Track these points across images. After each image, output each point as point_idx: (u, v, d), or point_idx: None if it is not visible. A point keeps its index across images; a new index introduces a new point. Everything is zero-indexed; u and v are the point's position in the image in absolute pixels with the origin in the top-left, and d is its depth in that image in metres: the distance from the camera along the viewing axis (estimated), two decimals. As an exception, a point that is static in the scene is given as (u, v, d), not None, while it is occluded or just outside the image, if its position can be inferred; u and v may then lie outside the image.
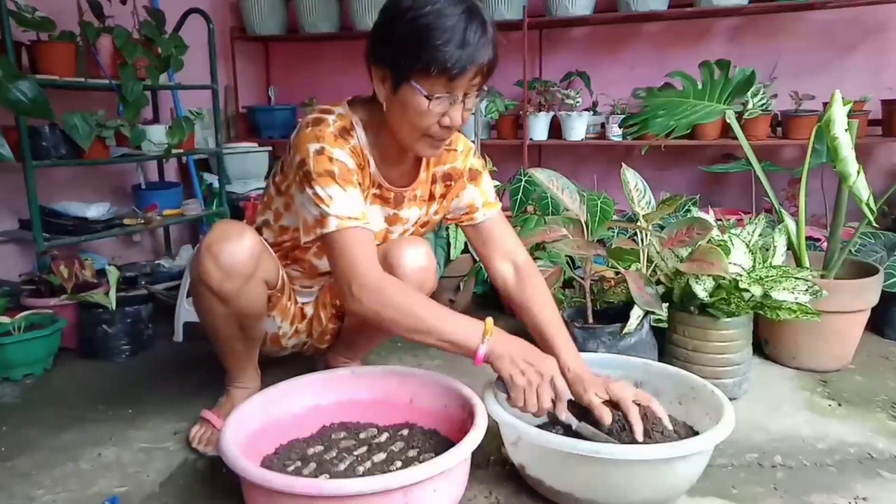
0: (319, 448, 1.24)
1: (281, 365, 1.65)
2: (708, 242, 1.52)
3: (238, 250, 1.28)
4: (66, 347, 1.92)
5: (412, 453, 1.22)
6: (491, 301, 2.30)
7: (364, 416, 1.35)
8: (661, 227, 1.66)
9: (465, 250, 2.22)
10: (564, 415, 1.15)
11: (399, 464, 1.17)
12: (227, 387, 1.49)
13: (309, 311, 1.55)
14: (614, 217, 2.01)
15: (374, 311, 1.15)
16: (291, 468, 1.16)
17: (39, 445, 1.42)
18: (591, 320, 1.68)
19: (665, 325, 1.66)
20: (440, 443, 1.25)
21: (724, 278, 1.47)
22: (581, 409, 1.21)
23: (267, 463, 1.19)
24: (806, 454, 1.35)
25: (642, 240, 1.60)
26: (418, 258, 1.39)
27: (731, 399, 1.52)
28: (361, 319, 1.21)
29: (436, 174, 1.42)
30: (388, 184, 1.34)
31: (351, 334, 1.57)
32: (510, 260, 1.41)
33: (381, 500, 0.97)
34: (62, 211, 2.34)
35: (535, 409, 1.12)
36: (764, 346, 1.80)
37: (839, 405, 1.56)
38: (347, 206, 1.18)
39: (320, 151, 1.19)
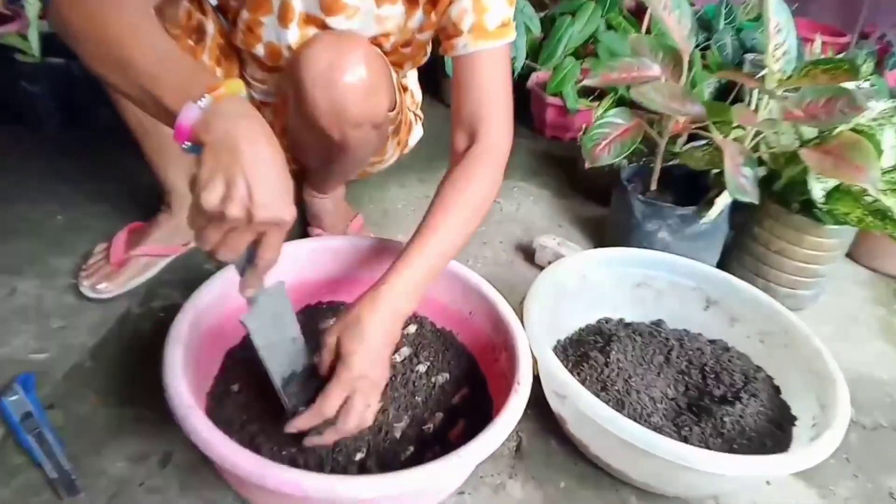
0: (301, 344, 0.95)
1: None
2: (851, 129, 1.11)
3: None
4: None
5: (421, 369, 0.94)
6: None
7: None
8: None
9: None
10: (250, 291, 0.71)
11: (404, 392, 0.89)
12: (160, 206, 1.15)
13: (267, 115, 1.16)
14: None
15: (58, 16, 0.68)
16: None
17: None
18: (653, 187, 1.32)
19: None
20: (456, 357, 0.97)
21: (864, 191, 1.10)
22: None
23: (230, 361, 0.91)
24: (884, 410, 1.12)
25: (759, 103, 1.17)
26: (333, 60, 0.88)
27: (796, 309, 1.27)
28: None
29: None
30: None
31: (299, 149, 1.16)
32: (469, 127, 0.91)
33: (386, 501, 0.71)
34: None
35: (208, 246, 0.63)
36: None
37: (919, 334, 1.32)
38: None
39: None
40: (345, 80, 0.90)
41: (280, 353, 0.78)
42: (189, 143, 0.62)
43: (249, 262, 0.67)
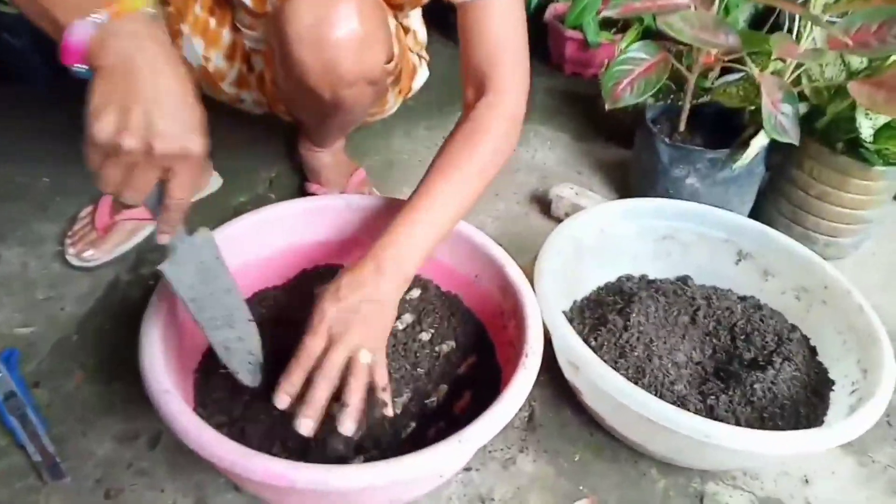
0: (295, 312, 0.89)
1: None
2: (908, 56, 0.99)
3: None
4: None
5: (424, 337, 0.87)
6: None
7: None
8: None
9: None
10: (165, 237, 0.63)
11: (405, 363, 0.83)
12: None
13: (258, 63, 1.07)
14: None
15: None
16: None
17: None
18: (681, 128, 1.21)
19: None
20: (463, 323, 0.90)
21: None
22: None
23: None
24: (931, 369, 1.03)
25: (801, 31, 1.04)
26: (321, 12, 0.78)
27: (837, 258, 1.17)
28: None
29: None
30: None
31: (290, 104, 1.07)
32: (477, 80, 0.81)
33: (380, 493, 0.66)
34: None
35: (109, 188, 0.56)
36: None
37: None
38: None
39: None
40: (335, 36, 0.79)
41: (212, 307, 0.69)
42: (82, 66, 0.54)
43: (161, 204, 0.60)
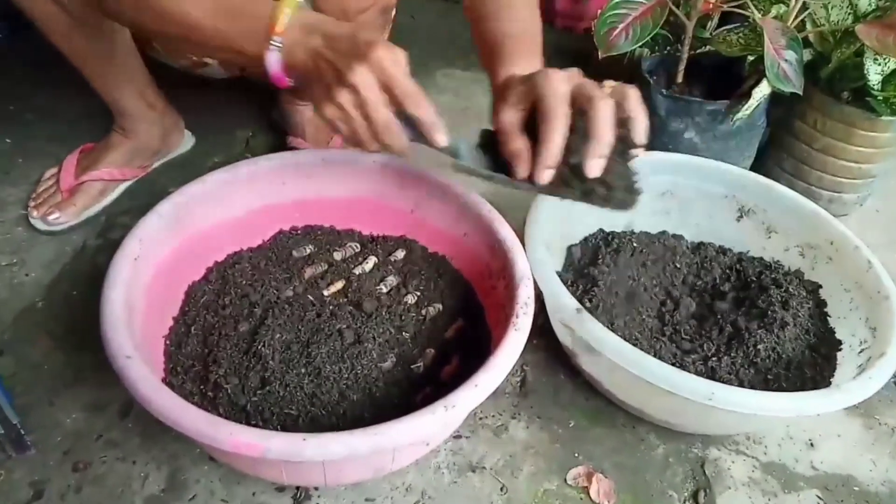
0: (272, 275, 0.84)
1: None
2: (921, -4, 0.93)
3: None
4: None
5: (410, 300, 0.83)
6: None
7: (341, 220, 0.91)
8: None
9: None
10: (441, 137, 0.64)
11: (389, 328, 0.78)
12: (113, 126, 1.02)
13: None
14: None
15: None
16: (228, 311, 0.78)
17: None
18: (679, 80, 1.15)
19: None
20: (450, 285, 0.85)
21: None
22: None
23: (192, 299, 0.79)
24: (937, 327, 1.00)
25: (806, -30, 0.98)
26: None
27: (840, 215, 1.13)
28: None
29: None
30: None
31: None
32: None
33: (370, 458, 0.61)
34: None
35: (362, 137, 0.61)
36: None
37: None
38: None
39: None
40: None
41: None
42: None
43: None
